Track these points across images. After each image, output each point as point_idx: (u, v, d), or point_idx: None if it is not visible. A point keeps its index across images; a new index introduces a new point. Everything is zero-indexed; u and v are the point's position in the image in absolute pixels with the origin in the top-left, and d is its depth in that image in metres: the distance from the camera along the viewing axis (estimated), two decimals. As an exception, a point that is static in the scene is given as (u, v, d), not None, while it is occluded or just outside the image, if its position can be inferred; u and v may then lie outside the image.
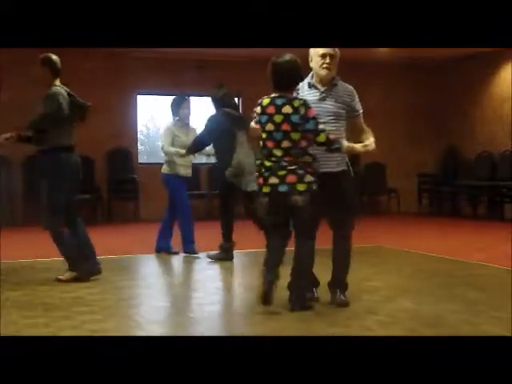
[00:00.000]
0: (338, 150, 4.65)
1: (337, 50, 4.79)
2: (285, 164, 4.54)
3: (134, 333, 4.22)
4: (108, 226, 11.12)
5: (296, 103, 4.54)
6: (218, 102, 7.17)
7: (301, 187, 4.53)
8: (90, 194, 11.46)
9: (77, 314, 4.61)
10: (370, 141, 4.86)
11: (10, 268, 6.29)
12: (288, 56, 4.62)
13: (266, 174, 4.59)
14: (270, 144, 4.59)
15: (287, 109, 4.53)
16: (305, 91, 4.82)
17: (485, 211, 12.18)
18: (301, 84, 4.83)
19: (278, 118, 4.55)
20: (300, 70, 4.64)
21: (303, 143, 4.57)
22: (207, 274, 6.50)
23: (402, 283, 5.80)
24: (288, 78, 4.61)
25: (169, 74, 11.98)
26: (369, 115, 15.21)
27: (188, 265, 7.12)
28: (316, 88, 4.81)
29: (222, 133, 6.93)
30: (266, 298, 4.53)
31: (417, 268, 6.64)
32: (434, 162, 13.51)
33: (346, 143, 4.70)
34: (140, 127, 13.40)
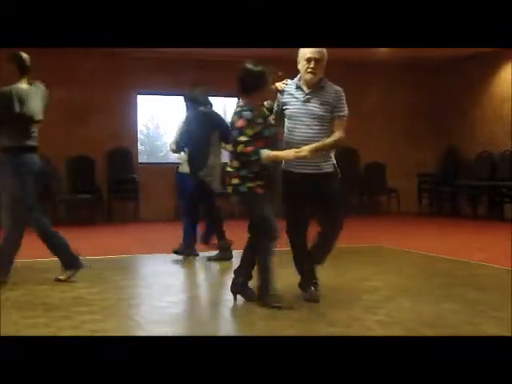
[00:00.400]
0: (257, 161, 4.73)
1: (324, 53, 4.83)
2: (228, 165, 4.92)
3: (133, 333, 4.22)
4: (108, 226, 11.13)
5: (236, 110, 4.80)
6: (193, 102, 7.20)
7: (228, 189, 4.88)
8: (89, 194, 11.48)
9: (77, 314, 4.61)
10: (308, 146, 4.76)
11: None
12: (249, 64, 4.74)
13: None
14: None
15: (232, 116, 4.86)
16: (292, 91, 4.92)
17: (485, 211, 12.17)
18: (290, 82, 4.94)
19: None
20: (256, 80, 4.72)
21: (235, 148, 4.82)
22: (207, 274, 6.51)
23: (401, 283, 5.80)
24: (244, 85, 4.78)
25: (169, 73, 11.99)
26: (369, 115, 15.12)
27: (188, 265, 7.12)
28: (302, 90, 4.89)
29: (197, 132, 6.98)
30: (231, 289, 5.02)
31: (417, 268, 6.64)
32: (434, 162, 13.51)
33: (265, 153, 4.73)
34: (140, 127, 13.41)
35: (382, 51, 11.25)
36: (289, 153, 4.74)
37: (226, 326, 4.58)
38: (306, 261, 5.08)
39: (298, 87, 4.89)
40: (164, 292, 5.61)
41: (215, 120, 7.16)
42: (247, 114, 4.73)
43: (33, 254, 6.58)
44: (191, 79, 12.12)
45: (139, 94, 12.38)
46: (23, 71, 5.73)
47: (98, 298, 5.21)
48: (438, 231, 10.37)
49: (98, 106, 11.86)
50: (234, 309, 4.91)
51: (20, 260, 6.21)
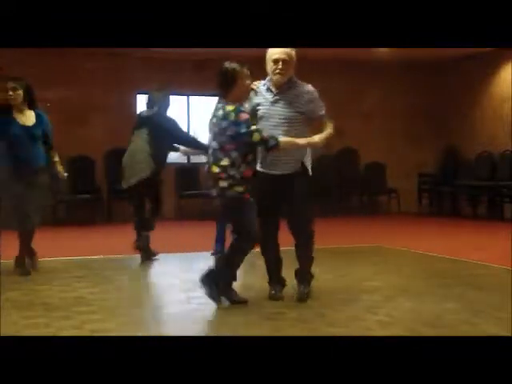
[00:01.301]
0: (276, 146, 4.71)
1: (292, 54, 4.86)
2: (209, 165, 4.80)
3: (133, 333, 4.21)
4: (108, 226, 11.12)
5: (227, 108, 4.74)
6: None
7: (213, 191, 4.78)
8: (89, 194, 11.49)
9: (77, 314, 4.61)
10: (317, 136, 4.85)
11: (9, 268, 6.29)
12: (229, 64, 4.78)
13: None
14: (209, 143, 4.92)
15: (219, 113, 4.78)
16: (263, 92, 4.96)
17: (485, 211, 12.17)
18: (262, 83, 4.99)
19: (212, 120, 4.86)
20: (234, 79, 4.75)
21: (228, 146, 4.71)
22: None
23: (401, 283, 5.80)
24: (223, 85, 4.80)
25: (169, 73, 11.99)
26: (369, 115, 15.13)
27: (187, 264, 7.12)
28: (271, 91, 4.93)
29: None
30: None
31: (417, 268, 6.64)
32: (434, 162, 13.51)
33: (283, 139, 4.74)
34: (140, 127, 13.40)
35: (382, 51, 11.26)
36: (304, 140, 4.79)
37: (226, 326, 4.57)
38: (300, 266, 5.10)
39: (268, 88, 4.95)
40: (164, 292, 5.62)
41: (147, 123, 7.09)
42: (244, 107, 4.81)
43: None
44: (191, 79, 12.18)
45: (139, 94, 12.38)
46: None
47: (98, 297, 5.21)
48: (438, 231, 10.37)
49: (98, 106, 11.87)
50: (234, 309, 4.90)
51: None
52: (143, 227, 7.14)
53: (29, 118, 6.09)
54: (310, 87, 4.94)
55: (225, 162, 4.70)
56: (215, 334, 4.24)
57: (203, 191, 11.90)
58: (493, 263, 6.68)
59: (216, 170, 4.73)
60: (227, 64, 4.80)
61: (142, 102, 12.48)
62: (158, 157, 7.06)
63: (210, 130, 4.90)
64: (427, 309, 4.77)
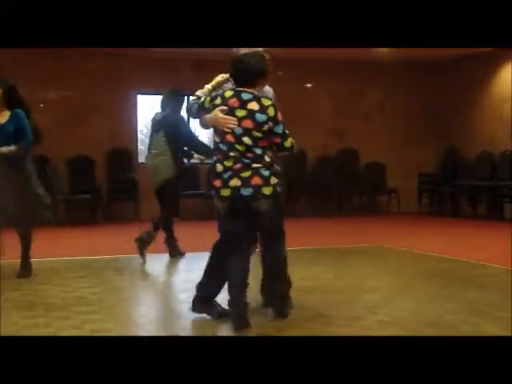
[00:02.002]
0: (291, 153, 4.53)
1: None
2: (248, 162, 4.16)
3: (134, 333, 4.22)
4: (108, 226, 11.12)
5: (265, 102, 4.23)
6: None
7: (267, 190, 4.16)
8: (89, 194, 11.49)
9: (77, 314, 4.61)
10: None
11: (9, 268, 6.29)
12: (254, 51, 4.34)
13: (226, 176, 4.18)
14: (230, 138, 4.19)
15: (253, 105, 4.20)
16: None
17: (485, 211, 12.17)
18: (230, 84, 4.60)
19: (240, 113, 4.20)
20: (267, 68, 4.34)
21: (263, 143, 4.22)
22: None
23: (402, 283, 5.80)
24: (253, 73, 4.27)
25: (169, 73, 11.99)
26: (369, 115, 15.10)
27: (188, 264, 7.12)
28: None
29: None
30: (242, 321, 4.24)
31: (417, 268, 6.64)
32: (434, 162, 13.51)
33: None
34: (140, 127, 13.41)
35: (382, 51, 11.25)
36: None
37: (227, 327, 4.57)
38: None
39: None
40: (164, 292, 5.61)
41: (162, 125, 7.21)
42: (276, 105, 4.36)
43: (33, 254, 6.57)
44: (191, 79, 12.16)
45: (139, 94, 12.39)
46: None
47: (99, 297, 5.21)
48: (438, 231, 10.37)
49: (98, 106, 11.87)
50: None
51: (20, 260, 6.22)
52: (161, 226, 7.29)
53: (2, 116, 5.99)
54: (269, 89, 4.78)
55: (269, 158, 4.21)
56: (215, 334, 4.24)
57: (203, 191, 11.96)
58: (493, 263, 6.68)
59: (260, 166, 4.17)
60: (256, 53, 4.31)
61: (141, 102, 12.55)
62: (178, 158, 7.22)
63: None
64: (427, 309, 4.77)
